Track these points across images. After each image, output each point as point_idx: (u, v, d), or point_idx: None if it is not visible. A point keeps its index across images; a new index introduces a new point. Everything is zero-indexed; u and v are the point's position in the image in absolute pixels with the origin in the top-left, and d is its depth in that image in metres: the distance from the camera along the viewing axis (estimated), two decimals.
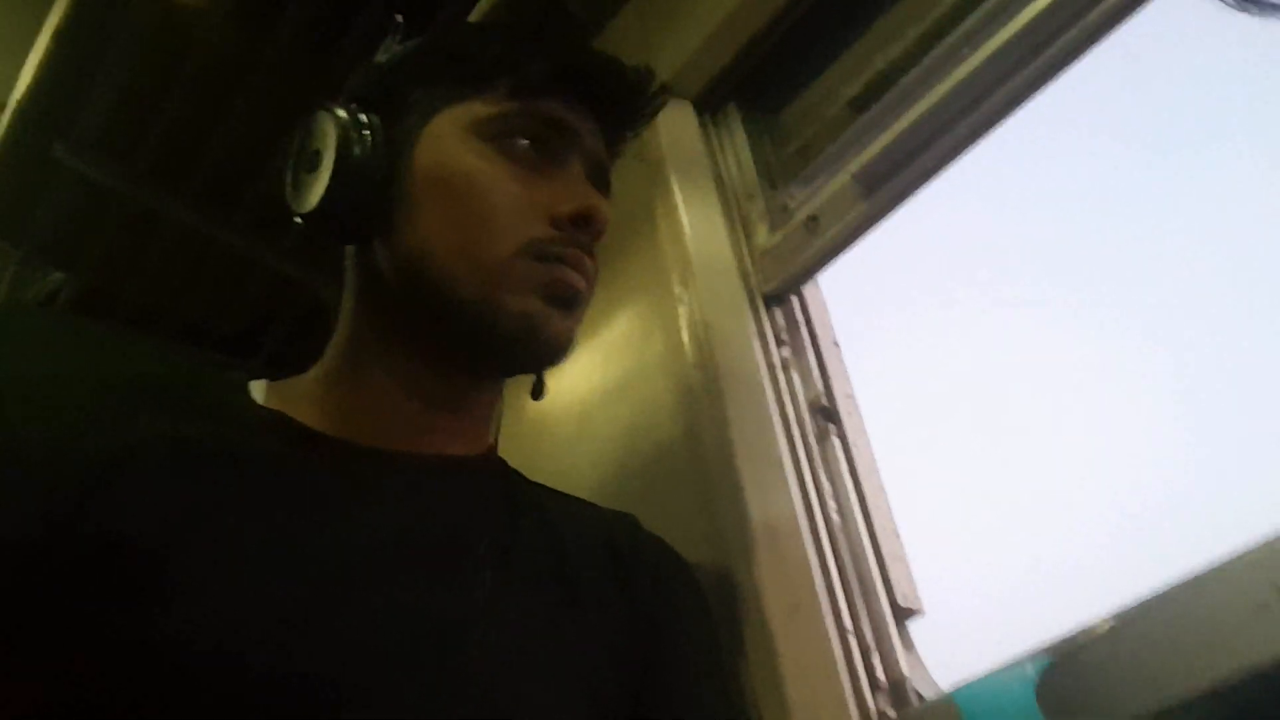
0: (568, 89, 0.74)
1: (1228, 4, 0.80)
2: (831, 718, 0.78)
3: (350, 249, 0.75)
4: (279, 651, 0.55)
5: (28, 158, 1.65)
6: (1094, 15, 0.89)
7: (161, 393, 0.67)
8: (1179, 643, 0.36)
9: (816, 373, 1.04)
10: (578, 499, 0.82)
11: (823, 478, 0.96)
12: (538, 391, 0.77)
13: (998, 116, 0.97)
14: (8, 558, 0.55)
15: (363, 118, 0.71)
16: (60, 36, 1.49)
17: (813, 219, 1.06)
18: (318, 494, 0.65)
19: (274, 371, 0.75)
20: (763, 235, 1.13)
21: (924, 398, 1.07)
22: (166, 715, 0.53)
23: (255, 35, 1.53)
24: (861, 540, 0.93)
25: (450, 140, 0.71)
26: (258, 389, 0.73)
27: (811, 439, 0.99)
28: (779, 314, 1.09)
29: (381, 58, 0.77)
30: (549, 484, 0.82)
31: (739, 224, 1.15)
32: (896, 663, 0.85)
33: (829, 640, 0.82)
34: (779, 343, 1.06)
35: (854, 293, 1.13)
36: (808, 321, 1.09)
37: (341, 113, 0.71)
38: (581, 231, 0.71)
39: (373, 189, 0.70)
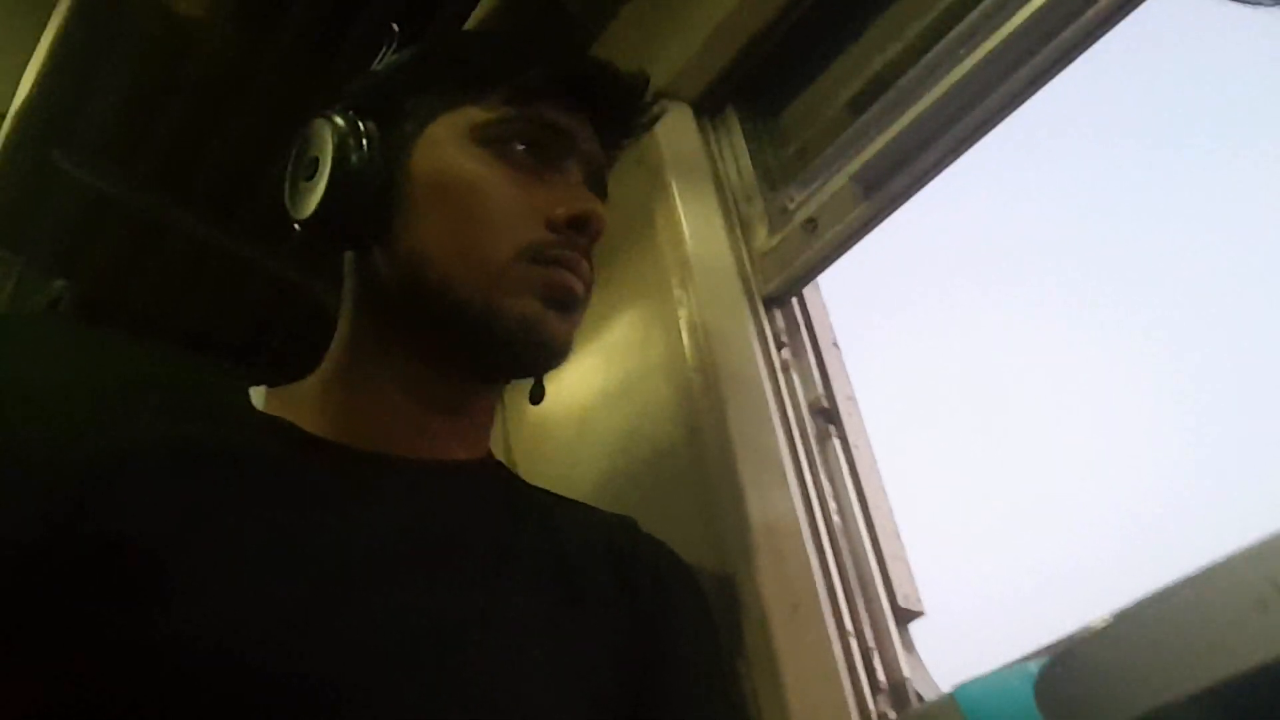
0: (564, 94, 0.74)
1: None
2: (832, 718, 0.78)
3: (349, 255, 0.76)
4: (279, 652, 0.55)
5: (28, 165, 1.65)
6: (1090, 14, 0.90)
7: (161, 395, 0.67)
8: (1178, 641, 0.36)
9: (817, 374, 1.04)
10: (577, 502, 0.82)
11: (823, 479, 0.96)
12: (536, 395, 0.77)
13: (996, 116, 0.97)
14: (8, 558, 0.55)
15: (360, 124, 0.71)
16: (60, 43, 1.49)
17: (812, 221, 1.07)
18: (318, 495, 0.65)
19: (275, 377, 0.76)
20: (762, 237, 1.13)
21: (924, 399, 1.07)
22: (166, 715, 0.53)
23: (255, 42, 1.54)
24: (862, 541, 0.93)
25: (448, 146, 0.71)
26: (257, 395, 0.74)
27: (812, 440, 0.99)
28: (779, 316, 1.09)
29: (379, 65, 0.77)
30: (549, 487, 0.82)
31: (738, 226, 1.15)
32: (897, 664, 0.85)
33: (829, 641, 0.82)
34: (779, 344, 1.06)
35: (854, 294, 1.13)
36: (808, 323, 1.09)
37: (339, 120, 0.71)
38: (578, 235, 0.72)
39: (370, 195, 0.70)
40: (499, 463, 0.81)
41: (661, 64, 1.19)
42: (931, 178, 1.01)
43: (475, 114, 0.72)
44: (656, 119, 0.81)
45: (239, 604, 0.56)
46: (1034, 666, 0.50)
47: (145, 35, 1.52)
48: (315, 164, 0.71)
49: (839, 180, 1.06)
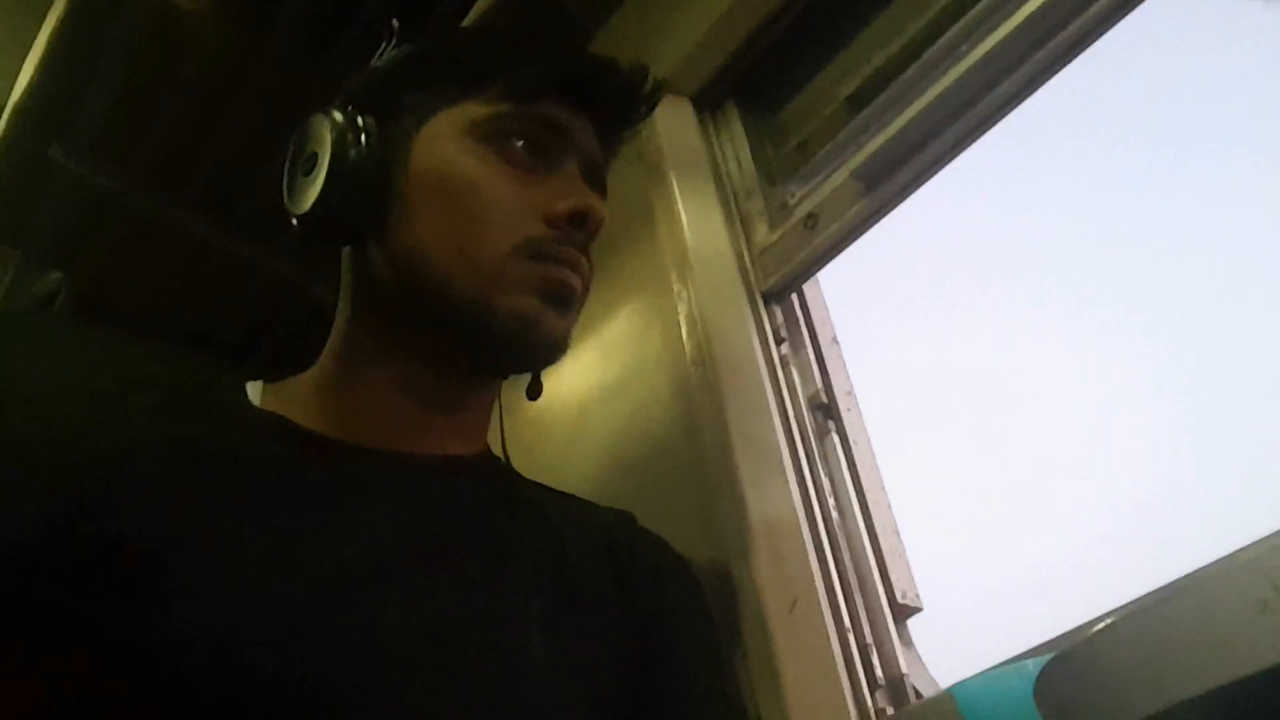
0: (562, 90, 0.74)
1: None
2: (830, 715, 0.78)
3: (346, 251, 0.76)
4: (278, 652, 0.55)
5: (25, 160, 1.64)
6: (1091, 11, 0.89)
7: (160, 394, 0.67)
8: (1178, 642, 0.36)
9: (816, 370, 1.04)
10: (576, 498, 0.82)
11: (822, 475, 0.96)
12: (534, 391, 0.77)
13: (997, 113, 0.97)
14: (8, 558, 0.55)
15: (359, 120, 0.71)
16: (57, 38, 1.48)
17: (812, 216, 1.06)
18: (316, 494, 0.65)
19: (272, 374, 0.76)
20: (762, 233, 1.13)
21: (923, 395, 1.07)
22: (166, 716, 0.53)
23: (253, 38, 1.53)
24: (861, 537, 0.93)
25: (446, 142, 0.71)
26: (254, 390, 0.73)
27: (811, 436, 0.99)
28: (778, 311, 1.09)
29: (377, 62, 0.77)
30: (548, 482, 0.82)
31: (738, 221, 1.15)
32: (895, 660, 0.85)
33: (828, 638, 0.82)
34: (778, 340, 1.06)
35: (853, 290, 1.13)
36: (807, 319, 1.09)
37: (338, 115, 0.71)
38: (577, 230, 0.72)
39: (368, 191, 0.70)
40: (497, 459, 0.80)
41: (661, 59, 1.18)
42: (932, 174, 1.01)
43: (474, 110, 0.72)
44: (654, 106, 0.81)
45: (239, 604, 0.56)
46: (1032, 665, 0.50)
47: (143, 31, 1.51)
48: (313, 159, 0.71)
49: (839, 176, 1.06)
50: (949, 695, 0.64)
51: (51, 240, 1.85)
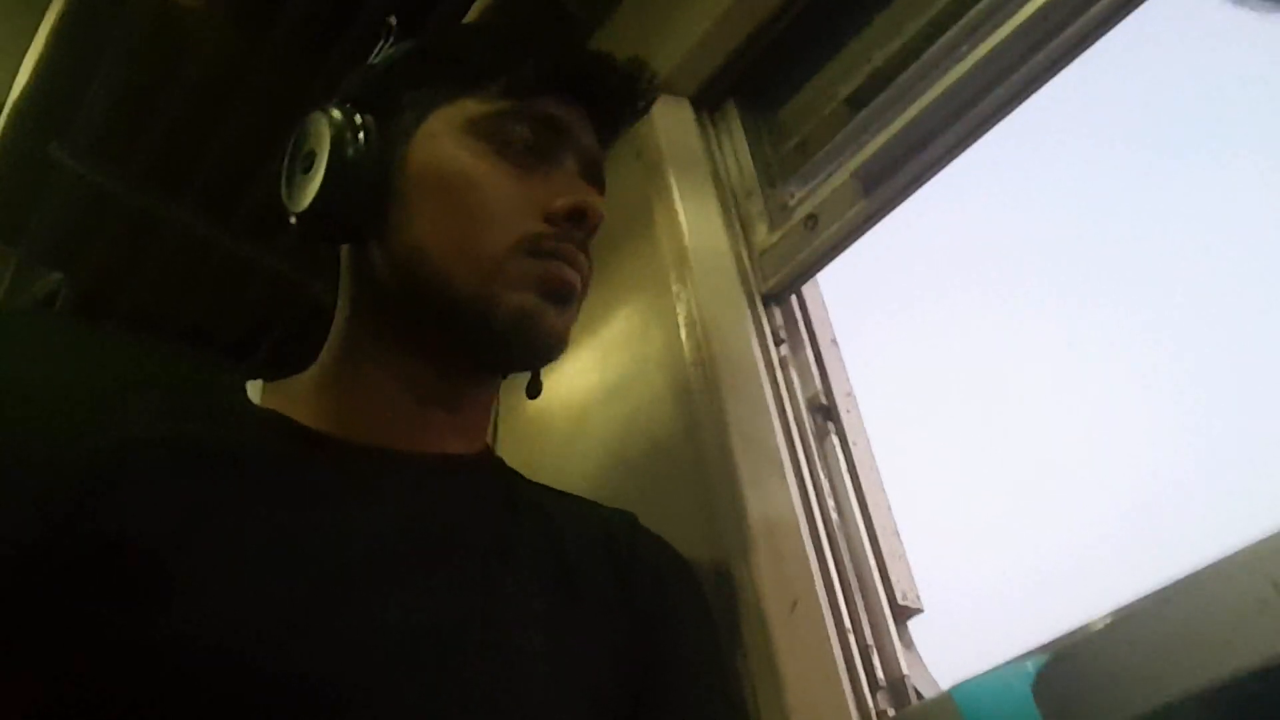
0: (561, 87, 0.74)
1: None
2: (830, 716, 0.78)
3: (345, 249, 0.76)
4: (279, 651, 0.55)
5: (24, 159, 1.64)
6: (1093, 11, 0.89)
7: (159, 393, 0.67)
8: (1178, 640, 0.36)
9: (815, 371, 1.04)
10: (576, 497, 0.82)
11: (821, 476, 0.96)
12: (534, 389, 0.77)
13: (997, 113, 0.97)
14: (8, 558, 0.55)
15: (357, 118, 0.71)
16: (57, 37, 1.49)
17: (812, 217, 1.06)
18: (317, 493, 0.65)
19: (273, 372, 0.75)
20: (762, 234, 1.13)
21: (923, 396, 1.07)
22: (166, 715, 0.53)
23: (253, 36, 1.53)
24: (861, 538, 0.93)
25: (444, 139, 0.71)
26: (254, 389, 0.73)
27: (810, 437, 0.99)
28: (778, 312, 1.09)
29: (375, 59, 0.77)
30: (547, 482, 0.82)
31: (738, 222, 1.15)
32: (896, 661, 0.85)
33: (828, 639, 0.82)
34: (778, 341, 1.06)
35: (853, 291, 1.13)
36: (806, 320, 1.09)
37: (336, 113, 0.71)
38: (576, 227, 0.72)
39: (367, 188, 0.70)
40: (497, 457, 0.80)
41: (660, 59, 1.18)
42: (932, 175, 1.01)
43: (472, 107, 0.72)
44: (651, 103, 0.81)
45: (239, 603, 0.56)
46: (1032, 665, 0.50)
47: (143, 30, 1.52)
48: (312, 157, 0.71)
49: (839, 177, 1.06)
50: (949, 695, 0.64)
51: (51, 239, 1.85)
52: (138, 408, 0.64)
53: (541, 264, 0.70)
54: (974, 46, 0.97)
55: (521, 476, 0.80)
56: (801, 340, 1.07)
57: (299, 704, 0.54)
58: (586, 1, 1.29)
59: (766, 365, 1.02)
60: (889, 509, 0.96)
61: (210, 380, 0.75)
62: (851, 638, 0.85)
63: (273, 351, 2.05)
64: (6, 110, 1.59)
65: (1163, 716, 0.35)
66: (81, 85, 1.58)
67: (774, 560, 0.85)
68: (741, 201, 1.17)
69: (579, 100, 0.75)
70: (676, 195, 1.10)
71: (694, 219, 1.09)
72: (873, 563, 0.91)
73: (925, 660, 0.87)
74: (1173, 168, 0.96)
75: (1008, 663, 0.61)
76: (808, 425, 1.00)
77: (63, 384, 0.65)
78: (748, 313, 1.06)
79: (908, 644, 0.87)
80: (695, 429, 0.94)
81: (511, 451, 0.83)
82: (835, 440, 1.00)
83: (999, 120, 0.97)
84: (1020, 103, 0.96)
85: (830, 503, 0.94)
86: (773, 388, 1.00)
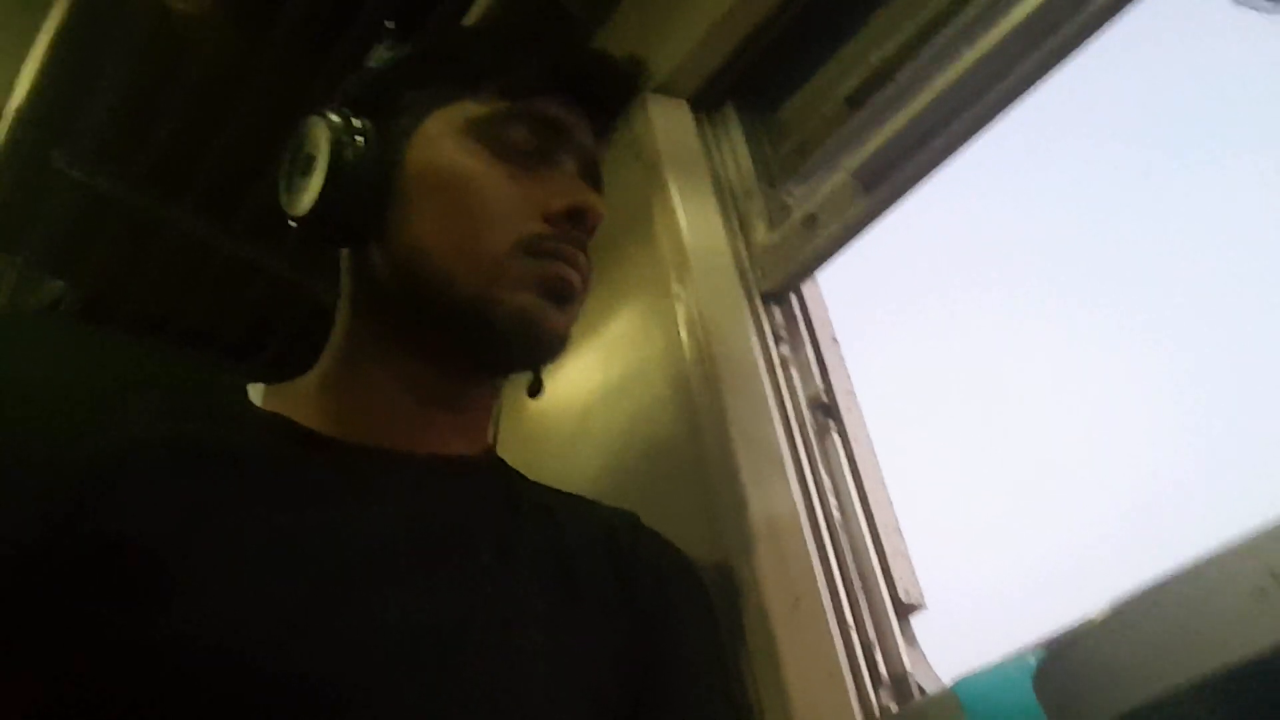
0: (559, 87, 0.74)
1: None
2: (834, 713, 0.78)
3: (345, 252, 0.76)
4: (280, 652, 0.55)
5: (26, 165, 1.65)
6: (1091, 9, 0.89)
7: (160, 394, 0.67)
8: (1176, 631, 0.36)
9: (816, 369, 1.04)
10: (578, 497, 0.82)
11: (823, 474, 0.96)
12: (535, 389, 0.77)
13: (995, 112, 0.97)
14: (8, 558, 0.55)
15: (355, 121, 0.71)
16: (58, 42, 1.49)
17: (811, 217, 1.07)
18: (318, 493, 0.65)
19: (274, 374, 0.76)
20: (761, 233, 1.13)
21: (924, 393, 1.07)
22: (167, 715, 0.53)
23: (253, 40, 1.53)
24: (862, 536, 0.93)
25: (443, 141, 0.71)
26: (256, 392, 0.73)
27: (811, 435, 0.99)
28: (778, 311, 1.09)
29: (373, 62, 0.77)
30: (549, 482, 0.81)
31: (737, 222, 1.15)
32: (899, 658, 0.85)
33: (831, 636, 0.82)
34: (778, 340, 1.06)
35: (853, 289, 1.13)
36: (807, 318, 1.09)
37: (334, 117, 0.71)
38: (575, 227, 0.72)
39: (366, 191, 0.70)
40: (499, 458, 0.80)
41: (659, 59, 1.19)
42: (931, 174, 1.01)
43: (470, 109, 0.72)
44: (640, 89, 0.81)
45: (239, 604, 0.56)
46: (1032, 659, 0.50)
47: (143, 34, 1.52)
48: (311, 161, 0.71)
49: (838, 176, 1.06)
50: (951, 691, 0.64)
51: (54, 244, 1.85)
52: (138, 408, 0.64)
53: (541, 264, 0.70)
54: (972, 45, 0.97)
55: (523, 476, 0.80)
56: (802, 339, 1.07)
57: (299, 704, 0.54)
58: (586, 2, 1.29)
59: (767, 364, 1.02)
60: (890, 506, 0.96)
61: (211, 381, 0.75)
62: (854, 634, 0.85)
63: (274, 353, 2.05)
64: (8, 117, 1.59)
65: (1163, 707, 0.35)
66: (82, 90, 1.58)
67: (776, 558, 0.85)
68: (741, 201, 1.17)
69: (577, 101, 0.76)
70: (676, 196, 1.10)
71: (693, 219, 1.09)
72: (875, 560, 0.91)
73: (928, 656, 0.87)
74: (1172, 167, 0.96)
75: (1008, 657, 0.61)
76: (809, 423, 1.00)
77: (63, 384, 0.65)
78: (748, 312, 1.06)
79: (910, 640, 0.87)
80: (696, 428, 0.94)
81: (513, 452, 0.83)
82: (836, 438, 1.00)
83: (997, 119, 0.97)
84: (1018, 101, 0.96)
85: (832, 500, 0.94)
86: (773, 386, 1.00)
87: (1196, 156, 0.94)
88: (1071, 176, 1.05)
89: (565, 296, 0.71)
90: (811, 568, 0.86)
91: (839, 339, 1.08)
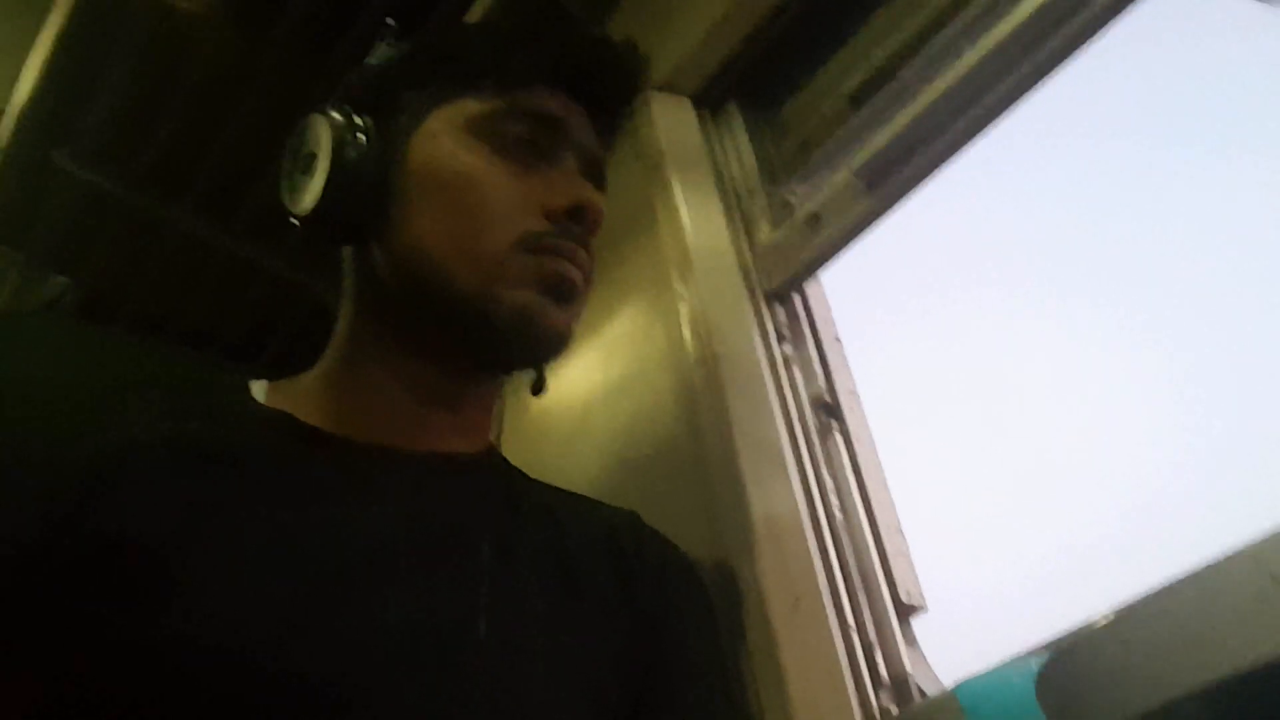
0: (556, 81, 0.74)
1: None
2: (834, 715, 0.78)
3: (347, 250, 0.76)
4: (280, 651, 0.55)
5: (28, 164, 1.65)
6: (1095, 7, 0.89)
7: (160, 393, 0.67)
8: (1178, 636, 0.36)
9: (818, 368, 1.04)
10: (579, 496, 0.82)
11: (825, 474, 0.96)
12: (538, 387, 0.77)
13: (999, 111, 0.97)
14: (8, 558, 0.55)
15: (356, 120, 0.71)
16: (61, 42, 1.49)
17: (814, 215, 1.06)
18: (319, 492, 0.65)
19: (277, 374, 0.76)
20: (764, 232, 1.13)
21: (926, 393, 1.07)
22: (167, 715, 0.53)
23: (255, 39, 1.54)
24: (864, 536, 0.92)
25: (443, 139, 0.71)
26: (258, 389, 0.73)
27: (814, 435, 0.99)
28: (780, 310, 1.09)
29: (373, 60, 0.77)
30: (551, 481, 0.81)
31: (740, 221, 1.15)
32: (899, 659, 0.85)
33: (831, 637, 0.82)
34: (780, 339, 1.06)
35: (856, 288, 1.13)
36: (809, 317, 1.09)
37: (336, 115, 0.71)
38: (576, 224, 0.72)
39: (367, 190, 0.70)
40: (500, 456, 0.80)
41: (662, 58, 1.19)
42: (934, 172, 1.01)
43: (470, 106, 0.72)
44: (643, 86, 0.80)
45: (240, 603, 0.56)
46: (1034, 663, 0.50)
47: (145, 34, 1.52)
48: (312, 160, 0.71)
49: (841, 175, 1.06)
50: (952, 694, 0.63)
51: (55, 243, 1.85)
52: (138, 408, 0.64)
53: (542, 261, 0.70)
54: (975, 44, 0.97)
55: (524, 475, 0.80)
56: (804, 338, 1.07)
57: (299, 703, 0.54)
58: (587, 1, 1.29)
59: (769, 363, 1.02)
60: (892, 507, 0.96)
61: (212, 380, 0.75)
62: (855, 636, 0.85)
63: (275, 352, 2.05)
64: (10, 116, 1.59)
65: (1166, 712, 0.35)
66: (84, 90, 1.58)
67: (777, 558, 0.85)
68: (744, 200, 1.17)
69: (576, 95, 0.75)
70: (679, 194, 1.10)
71: (696, 218, 1.09)
72: (876, 561, 0.91)
73: (928, 658, 0.87)
74: (1174, 166, 0.95)
75: (1010, 660, 0.61)
76: (811, 423, 1.00)
77: (63, 384, 0.65)
78: (750, 311, 1.06)
79: (911, 642, 0.87)
80: (698, 427, 0.94)
81: (515, 450, 0.83)
82: (838, 438, 0.99)
83: (1001, 118, 0.97)
84: (1022, 100, 0.96)
85: (833, 500, 0.94)
86: (776, 386, 1.00)
87: (1199, 155, 0.94)
88: (1073, 176, 1.05)
89: (566, 294, 0.71)
90: (812, 568, 0.86)
91: (841, 338, 1.08)
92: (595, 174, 0.77)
